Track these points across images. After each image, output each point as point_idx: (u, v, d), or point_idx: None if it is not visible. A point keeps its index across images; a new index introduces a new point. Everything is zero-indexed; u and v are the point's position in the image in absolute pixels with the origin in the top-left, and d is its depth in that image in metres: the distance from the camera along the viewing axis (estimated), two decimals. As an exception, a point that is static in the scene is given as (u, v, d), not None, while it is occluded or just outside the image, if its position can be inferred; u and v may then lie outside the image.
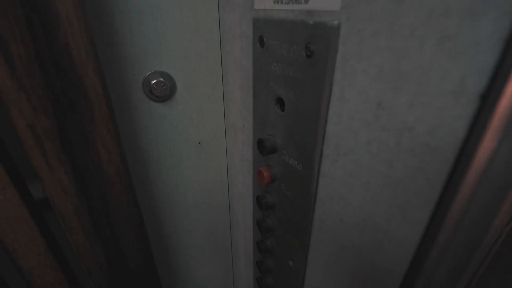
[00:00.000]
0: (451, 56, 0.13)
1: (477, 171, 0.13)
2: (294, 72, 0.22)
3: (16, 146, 0.32)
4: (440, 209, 0.14)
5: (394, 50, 0.15)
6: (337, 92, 0.19)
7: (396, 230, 0.18)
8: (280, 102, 0.26)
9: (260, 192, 0.33)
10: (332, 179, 0.22)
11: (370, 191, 0.19)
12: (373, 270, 0.21)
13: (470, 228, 0.14)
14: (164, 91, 0.33)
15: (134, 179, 0.34)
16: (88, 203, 0.30)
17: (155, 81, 0.32)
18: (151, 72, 0.32)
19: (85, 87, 0.25)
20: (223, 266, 0.51)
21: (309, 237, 0.27)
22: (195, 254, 0.48)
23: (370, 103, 0.17)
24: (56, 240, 0.35)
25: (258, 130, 0.31)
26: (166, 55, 0.32)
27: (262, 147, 0.28)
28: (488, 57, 0.11)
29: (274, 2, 0.23)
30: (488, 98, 0.11)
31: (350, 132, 0.19)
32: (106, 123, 0.28)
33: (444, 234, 0.15)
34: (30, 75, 0.23)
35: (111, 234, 0.34)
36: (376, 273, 0.21)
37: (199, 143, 0.38)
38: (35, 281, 0.33)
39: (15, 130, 0.25)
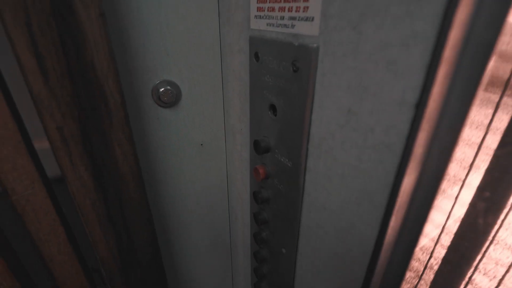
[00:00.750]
0: (396, 75, 0.17)
1: (416, 160, 0.17)
2: (284, 84, 0.27)
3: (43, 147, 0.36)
4: (394, 191, 0.19)
5: (358, 69, 0.19)
6: (318, 101, 0.24)
7: (365, 213, 0.22)
8: (273, 108, 0.30)
9: (256, 188, 0.37)
10: (316, 173, 0.27)
11: (345, 181, 0.23)
12: (349, 249, 0.25)
13: (418, 205, 0.19)
14: (171, 98, 0.37)
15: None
16: (105, 198, 0.34)
17: (163, 89, 0.36)
18: (159, 81, 0.36)
19: (106, 96, 0.29)
20: (222, 260, 0.55)
21: (299, 225, 0.31)
22: (197, 249, 0.51)
23: (342, 110, 0.21)
24: (73, 232, 0.38)
25: (254, 132, 0.35)
26: (173, 66, 0.36)
27: (258, 147, 0.32)
28: (418, 77, 0.16)
29: (267, 25, 0.28)
30: (419, 107, 0.16)
31: (329, 133, 0.24)
32: (122, 127, 0.32)
33: (398, 212, 0.19)
34: (61, 85, 0.27)
35: (124, 227, 0.37)
36: (352, 251, 0.25)
37: (201, 144, 0.42)
38: (55, 269, 0.36)
39: (45, 132, 0.29)
